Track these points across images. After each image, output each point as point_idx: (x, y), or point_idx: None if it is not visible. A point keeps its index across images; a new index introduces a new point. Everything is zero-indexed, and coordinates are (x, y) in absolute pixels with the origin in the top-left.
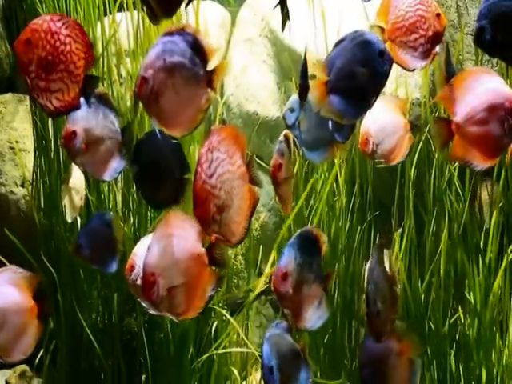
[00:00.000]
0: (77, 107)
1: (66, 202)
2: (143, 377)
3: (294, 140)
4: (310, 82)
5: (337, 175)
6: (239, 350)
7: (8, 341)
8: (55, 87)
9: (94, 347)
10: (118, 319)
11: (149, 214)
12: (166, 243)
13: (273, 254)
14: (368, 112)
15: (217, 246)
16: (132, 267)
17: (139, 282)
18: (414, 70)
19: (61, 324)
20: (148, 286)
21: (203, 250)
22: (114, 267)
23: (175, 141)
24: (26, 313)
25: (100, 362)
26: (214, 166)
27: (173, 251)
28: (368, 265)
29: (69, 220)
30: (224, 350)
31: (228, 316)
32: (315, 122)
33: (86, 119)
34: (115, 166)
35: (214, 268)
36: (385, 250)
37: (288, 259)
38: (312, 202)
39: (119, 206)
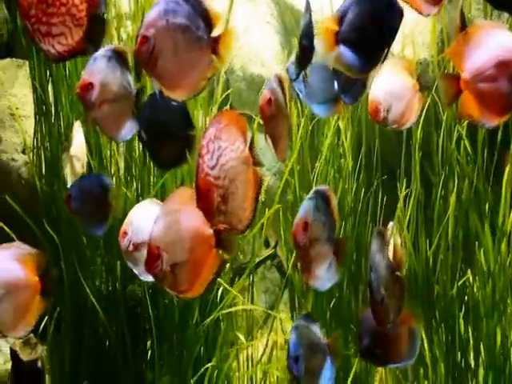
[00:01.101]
0: (83, 52)
1: (67, 170)
2: (148, 342)
3: (297, 94)
4: (319, 33)
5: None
6: (245, 307)
7: (9, 316)
8: (57, 31)
9: (97, 314)
10: (122, 285)
11: (152, 179)
12: (174, 219)
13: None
14: (375, 77)
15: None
16: (125, 233)
17: (131, 248)
18: (428, 15)
19: (64, 291)
20: (151, 259)
21: (211, 231)
22: (101, 231)
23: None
24: (30, 289)
25: (104, 328)
26: (217, 156)
27: (179, 228)
28: (370, 251)
29: None
30: (229, 309)
31: (225, 285)
32: (322, 75)
33: (103, 73)
34: (128, 127)
35: (219, 251)
36: (392, 230)
37: (308, 211)
38: (317, 164)
39: (121, 171)
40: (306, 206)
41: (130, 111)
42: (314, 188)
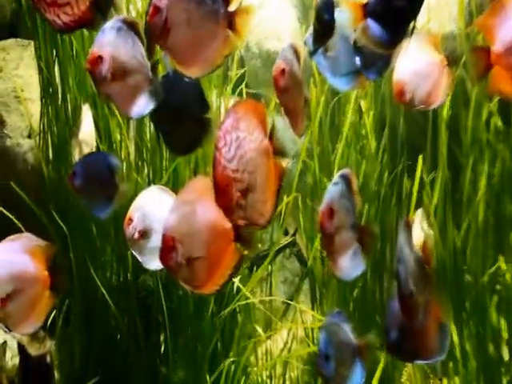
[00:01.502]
0: (90, 23)
1: (76, 155)
2: (161, 336)
3: (316, 67)
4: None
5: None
6: (263, 298)
7: (16, 311)
8: (63, 1)
9: (108, 306)
10: (134, 276)
11: (164, 163)
12: (191, 209)
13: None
14: (399, 55)
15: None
16: (130, 220)
17: (137, 236)
18: None
19: (74, 282)
20: (166, 251)
21: (229, 224)
22: (104, 213)
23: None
24: (39, 283)
25: (115, 321)
26: (234, 148)
27: (196, 219)
28: (397, 243)
29: None
30: (246, 301)
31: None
32: (343, 46)
33: (113, 45)
34: (143, 103)
35: (238, 246)
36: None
37: (333, 197)
38: (338, 145)
39: (132, 156)
40: (331, 192)
41: (144, 85)
42: (338, 172)
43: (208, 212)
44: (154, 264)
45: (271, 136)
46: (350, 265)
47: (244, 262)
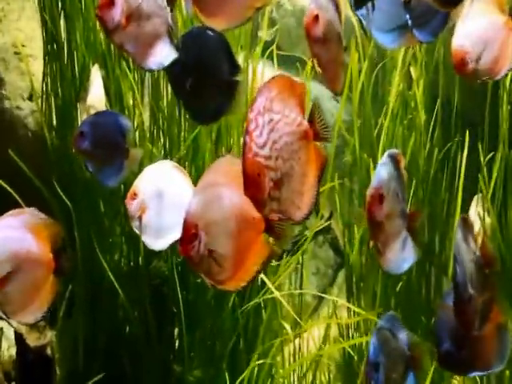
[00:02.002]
0: None
1: None
2: (176, 329)
3: (359, 22)
4: None
5: None
6: (292, 291)
7: (16, 295)
8: None
9: (117, 294)
10: (146, 260)
11: (182, 134)
12: (216, 194)
13: None
14: (460, 15)
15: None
16: (134, 195)
17: (140, 213)
18: None
19: (78, 266)
20: (187, 239)
21: (259, 213)
22: (113, 181)
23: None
24: (43, 266)
25: (124, 311)
26: (267, 132)
27: (223, 205)
28: (454, 241)
29: None
30: (273, 294)
31: None
32: None
33: None
34: (163, 52)
35: (269, 239)
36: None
37: (382, 180)
38: (382, 119)
39: (146, 123)
40: (379, 174)
41: (163, 32)
42: (383, 150)
43: (236, 198)
44: (158, 245)
45: (312, 118)
46: (400, 256)
47: (274, 258)
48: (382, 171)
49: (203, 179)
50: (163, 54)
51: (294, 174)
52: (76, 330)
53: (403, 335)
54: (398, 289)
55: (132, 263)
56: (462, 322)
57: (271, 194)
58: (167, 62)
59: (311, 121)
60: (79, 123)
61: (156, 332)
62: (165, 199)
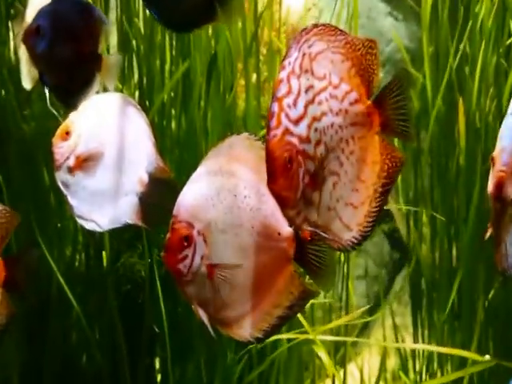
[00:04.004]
0: None
1: (22, 53)
2: (157, 359)
3: None
4: None
5: None
6: (326, 300)
7: None
8: None
9: (69, 306)
10: (112, 256)
11: (167, 66)
12: (227, 187)
13: None
14: None
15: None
16: (66, 134)
17: (73, 163)
18: None
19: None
20: (175, 245)
21: (289, 228)
22: (76, 101)
23: None
24: None
25: (80, 332)
26: (304, 102)
27: (234, 204)
28: None
29: (27, 86)
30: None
31: None
32: None
33: None
34: None
35: (300, 270)
36: None
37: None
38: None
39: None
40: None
41: None
42: None
43: (254, 197)
44: (102, 220)
45: (382, 98)
46: None
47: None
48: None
49: (207, 162)
50: None
51: (343, 173)
52: (8, 361)
53: None
54: (486, 302)
55: (91, 260)
56: None
57: (306, 193)
58: None
59: (380, 102)
60: (19, 58)
61: (128, 363)
62: (112, 144)
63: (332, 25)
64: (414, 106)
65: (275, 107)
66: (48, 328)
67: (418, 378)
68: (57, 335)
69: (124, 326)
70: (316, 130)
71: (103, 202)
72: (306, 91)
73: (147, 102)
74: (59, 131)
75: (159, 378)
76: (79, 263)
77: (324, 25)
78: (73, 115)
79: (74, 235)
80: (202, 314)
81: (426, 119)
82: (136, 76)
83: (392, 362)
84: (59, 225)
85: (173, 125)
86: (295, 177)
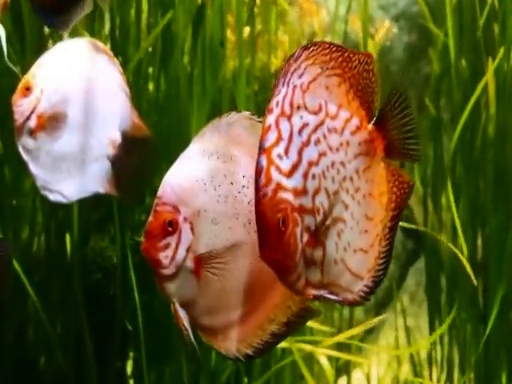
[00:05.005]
0: None
1: None
2: (130, 362)
3: None
4: None
5: None
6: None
7: None
8: None
9: (25, 298)
10: (79, 239)
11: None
12: (225, 169)
13: None
14: None
15: None
16: (27, 90)
17: (34, 123)
18: None
19: None
20: (156, 230)
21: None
22: (65, 25)
23: None
24: None
25: (39, 329)
26: (298, 147)
27: (232, 190)
28: None
29: None
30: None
31: None
32: None
33: None
34: None
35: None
36: None
37: None
38: None
39: None
40: None
41: None
42: None
43: (253, 186)
44: (68, 190)
45: (384, 118)
46: None
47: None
48: None
49: (201, 139)
50: None
51: (349, 217)
52: None
53: None
54: None
55: (53, 244)
56: None
57: (306, 254)
58: None
59: (382, 123)
60: None
61: (95, 366)
62: (79, 99)
63: (326, 41)
64: (434, 68)
65: (263, 161)
66: (6, 326)
67: None
68: (10, 331)
69: (91, 322)
70: (314, 176)
71: (70, 169)
72: (300, 132)
73: (120, 58)
74: (19, 87)
75: (132, 383)
76: (38, 247)
77: (315, 44)
78: (34, 68)
79: (31, 214)
80: (183, 317)
81: (447, 83)
82: (107, 26)
83: (405, 369)
84: (14, 202)
85: (150, 86)
86: (292, 239)
